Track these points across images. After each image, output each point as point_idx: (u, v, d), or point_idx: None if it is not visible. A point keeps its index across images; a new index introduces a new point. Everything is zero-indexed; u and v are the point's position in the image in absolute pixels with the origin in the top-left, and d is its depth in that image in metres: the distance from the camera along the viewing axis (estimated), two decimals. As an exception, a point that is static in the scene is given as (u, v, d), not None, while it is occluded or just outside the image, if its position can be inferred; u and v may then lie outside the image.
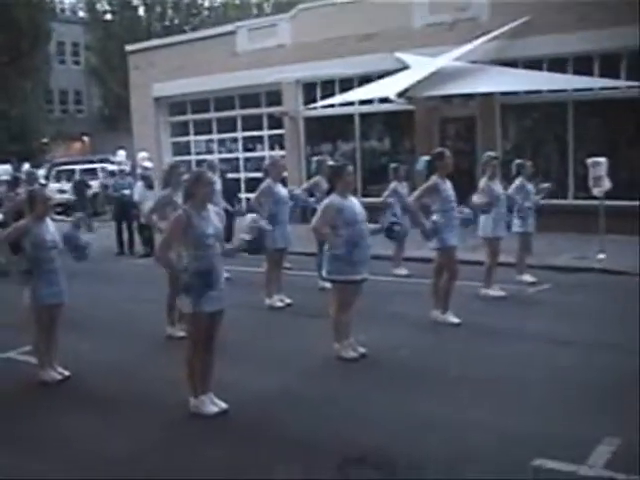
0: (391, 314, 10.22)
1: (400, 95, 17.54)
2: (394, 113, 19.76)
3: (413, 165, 16.66)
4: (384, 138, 21.11)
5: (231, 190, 15.59)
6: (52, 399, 7.38)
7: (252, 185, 16.66)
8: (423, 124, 19.19)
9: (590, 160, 13.49)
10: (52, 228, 7.76)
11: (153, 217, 9.64)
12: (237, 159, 24.16)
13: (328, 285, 8.89)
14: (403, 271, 13.17)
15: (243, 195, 19.99)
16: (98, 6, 47.07)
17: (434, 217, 9.52)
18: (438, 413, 6.45)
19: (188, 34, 29.86)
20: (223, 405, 6.65)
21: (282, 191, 11.15)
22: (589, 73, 16.49)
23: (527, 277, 12.04)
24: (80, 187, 23.77)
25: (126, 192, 17.34)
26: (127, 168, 20.36)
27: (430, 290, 9.81)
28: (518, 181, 11.89)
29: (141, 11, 47.03)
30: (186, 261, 6.41)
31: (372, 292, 9.18)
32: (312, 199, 12.21)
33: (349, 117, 20.98)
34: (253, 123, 23.63)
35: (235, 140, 24.36)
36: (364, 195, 17.86)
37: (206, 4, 49.50)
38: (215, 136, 24.87)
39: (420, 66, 17.72)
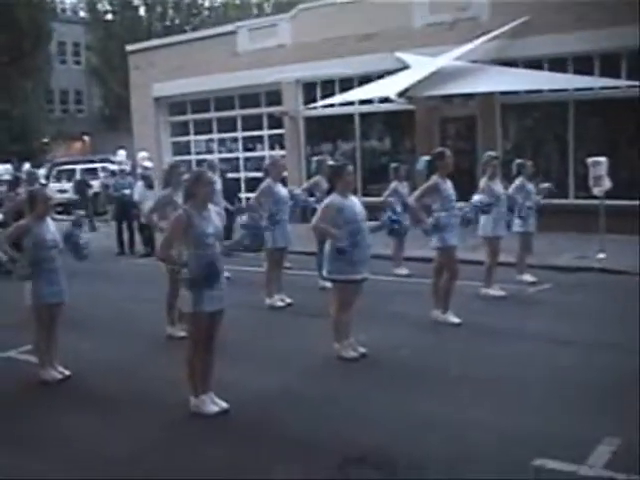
0: (391, 314, 10.22)
1: (400, 95, 17.55)
2: (394, 113, 19.76)
3: (413, 165, 16.67)
4: (384, 138, 21.12)
5: (231, 190, 15.59)
6: (52, 398, 7.38)
7: (252, 185, 16.67)
8: (423, 124, 19.19)
9: (590, 160, 13.51)
10: (53, 228, 7.76)
11: (153, 217, 9.64)
12: (237, 159, 24.16)
13: (328, 285, 8.89)
14: (404, 271, 13.17)
15: (243, 195, 19.98)
16: (99, 6, 47.11)
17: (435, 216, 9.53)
18: (439, 413, 6.45)
19: (188, 34, 29.87)
20: (224, 405, 6.65)
21: (282, 191, 11.15)
22: (589, 73, 16.49)
23: (527, 277, 12.04)
24: (81, 187, 23.80)
25: (126, 192, 17.36)
26: (127, 168, 20.36)
27: (430, 290, 9.81)
28: (518, 181, 11.88)
29: (142, 11, 47.05)
30: (186, 260, 6.43)
31: (373, 292, 9.19)
32: (312, 199, 12.21)
33: (349, 117, 20.99)
34: (253, 123, 23.63)
35: (235, 140, 24.36)
36: (364, 195, 17.88)
37: (206, 4, 49.53)
38: (215, 136, 24.88)
39: (420, 66, 17.72)
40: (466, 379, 7.35)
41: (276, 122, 22.63)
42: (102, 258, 16.42)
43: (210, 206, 6.67)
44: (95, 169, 29.13)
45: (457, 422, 6.21)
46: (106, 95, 47.55)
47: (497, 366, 7.79)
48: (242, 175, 23.52)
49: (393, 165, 13.81)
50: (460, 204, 9.96)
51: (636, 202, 15.25)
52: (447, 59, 17.42)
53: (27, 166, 25.84)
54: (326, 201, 8.09)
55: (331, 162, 11.24)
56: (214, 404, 6.64)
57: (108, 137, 41.98)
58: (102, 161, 30.72)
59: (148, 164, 17.50)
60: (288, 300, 11.02)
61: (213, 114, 24.66)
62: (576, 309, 10.23)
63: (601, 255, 13.20)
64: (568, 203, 16.72)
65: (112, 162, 27.84)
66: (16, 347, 8.79)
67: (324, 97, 20.45)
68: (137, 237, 17.35)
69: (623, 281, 11.82)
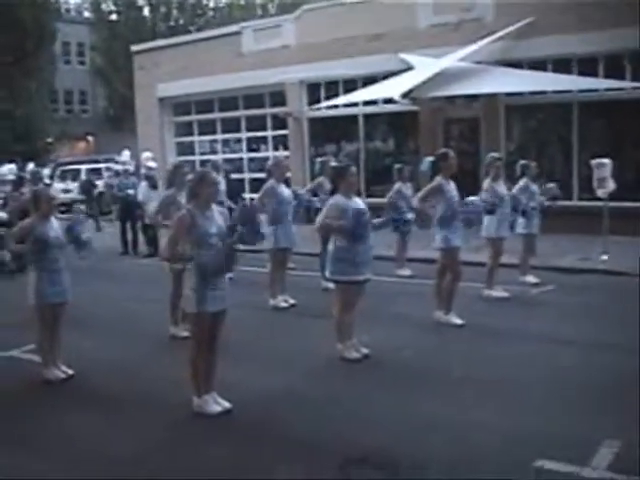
0: (394, 315, 10.21)
1: (404, 96, 17.56)
2: (398, 114, 19.77)
3: (417, 166, 16.67)
4: (388, 139, 21.12)
5: (235, 190, 15.60)
6: (56, 397, 7.39)
7: (256, 185, 16.67)
8: (427, 125, 19.19)
9: (594, 161, 13.48)
10: (56, 227, 7.78)
11: (159, 218, 9.65)
12: (241, 159, 24.17)
13: (331, 285, 8.89)
14: (406, 272, 13.16)
15: (247, 195, 19.98)
16: (103, 6, 47.15)
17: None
18: (441, 414, 6.45)
19: (193, 34, 29.92)
20: (226, 405, 6.66)
21: (285, 191, 11.14)
22: (594, 74, 16.49)
23: (531, 278, 12.03)
24: (87, 187, 23.82)
25: (130, 192, 17.38)
26: (131, 168, 20.39)
27: (433, 291, 9.81)
28: (522, 182, 11.87)
29: (146, 11, 47.09)
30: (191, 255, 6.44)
31: (375, 293, 9.19)
32: (316, 199, 12.20)
33: (353, 118, 21.00)
34: (257, 123, 23.66)
35: (239, 140, 24.38)
36: (368, 196, 17.87)
37: (211, 5, 49.56)
38: (219, 136, 24.91)
39: (424, 67, 17.73)
40: (469, 380, 7.35)
41: (280, 123, 22.65)
42: (106, 258, 16.47)
43: (213, 206, 6.69)
44: (99, 169, 29.18)
45: (459, 423, 6.22)
46: (110, 95, 47.59)
47: (500, 367, 7.79)
48: (246, 176, 23.52)
49: (397, 166, 13.80)
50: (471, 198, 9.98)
51: (640, 204, 15.26)
52: (451, 60, 17.43)
53: (31, 166, 25.83)
54: (330, 201, 8.10)
55: (334, 163, 11.25)
56: (217, 404, 6.65)
57: (112, 137, 41.98)
58: (106, 161, 30.75)
59: (152, 164, 17.52)
60: (292, 301, 11.02)
61: (217, 114, 24.69)
62: (579, 310, 10.22)
63: (604, 257, 13.19)
64: (572, 205, 16.69)
65: (116, 162, 27.85)
66: (19, 346, 8.80)
67: (328, 98, 20.47)
68: (141, 237, 17.37)
69: (626, 283, 11.80)
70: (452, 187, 9.60)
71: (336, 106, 20.25)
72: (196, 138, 25.58)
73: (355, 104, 20.24)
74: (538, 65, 17.18)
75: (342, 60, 19.94)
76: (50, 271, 7.63)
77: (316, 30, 20.84)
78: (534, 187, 11.95)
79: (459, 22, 18.23)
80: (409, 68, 18.34)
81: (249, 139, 24.08)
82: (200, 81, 23.41)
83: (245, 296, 10.06)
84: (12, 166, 24.39)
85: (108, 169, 27.13)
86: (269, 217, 10.81)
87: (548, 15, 16.61)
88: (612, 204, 13.68)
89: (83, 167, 29.68)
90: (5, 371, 8.31)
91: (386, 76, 18.71)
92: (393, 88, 17.61)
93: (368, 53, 19.36)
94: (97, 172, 28.41)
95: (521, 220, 11.76)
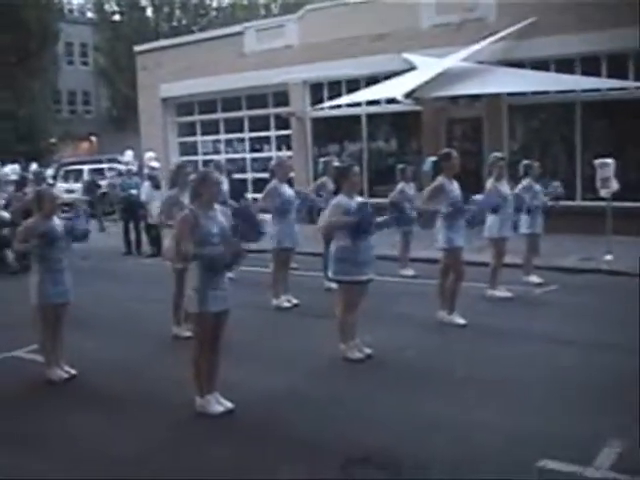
0: (397, 315, 10.22)
1: (407, 96, 17.55)
2: (401, 114, 19.77)
3: (420, 166, 16.64)
4: (391, 139, 21.11)
5: (238, 190, 15.60)
6: (58, 397, 7.40)
7: (259, 185, 16.69)
8: (430, 125, 19.18)
9: (598, 161, 13.47)
10: (60, 227, 7.79)
11: (162, 218, 9.65)
12: (244, 160, 24.17)
13: (334, 285, 8.89)
14: (409, 272, 13.16)
15: (250, 195, 19.98)
16: (106, 7, 47.20)
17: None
18: (444, 414, 6.45)
19: (196, 35, 29.87)
20: (229, 405, 6.66)
21: (288, 191, 11.14)
22: (597, 74, 16.47)
23: (534, 278, 12.02)
24: (91, 187, 23.83)
25: (133, 192, 17.39)
26: (134, 168, 20.40)
27: (436, 291, 9.81)
28: (525, 182, 11.86)
29: (149, 12, 47.12)
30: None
31: (378, 293, 9.19)
32: (319, 199, 12.19)
33: (356, 118, 20.99)
34: (260, 124, 23.66)
35: (242, 140, 24.39)
36: (371, 196, 17.83)
37: (214, 5, 49.56)
38: (222, 136, 24.91)
39: (427, 67, 17.72)
40: (472, 380, 7.34)
41: (283, 123, 22.66)
42: (109, 258, 16.52)
43: (216, 206, 6.69)
44: (102, 169, 29.20)
45: (462, 423, 6.21)
46: (114, 96, 47.64)
47: (503, 367, 7.79)
48: (249, 176, 23.54)
49: (400, 166, 13.80)
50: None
51: (643, 204, 15.23)
52: (454, 60, 17.41)
53: (34, 166, 25.87)
54: (333, 201, 8.10)
55: (337, 163, 11.24)
56: (219, 404, 6.65)
57: (115, 137, 42.02)
58: (109, 161, 30.77)
59: (155, 164, 17.52)
60: (295, 301, 11.02)
61: (220, 115, 24.70)
62: (582, 311, 10.22)
63: (608, 257, 13.18)
64: (575, 205, 16.67)
65: (119, 162, 27.88)
66: (22, 346, 8.81)
67: (331, 98, 20.48)
68: (144, 237, 17.37)
69: (630, 283, 11.77)
70: (455, 187, 9.60)
71: (339, 106, 20.26)
72: (199, 138, 25.59)
73: (358, 104, 20.24)
74: (541, 65, 17.17)
75: (345, 60, 19.94)
76: (53, 271, 7.64)
77: (319, 30, 20.84)
78: (537, 187, 11.93)
79: (462, 22, 18.22)
80: (412, 68, 18.33)
81: (252, 139, 24.08)
82: (203, 81, 23.42)
83: (248, 296, 10.06)
84: (15, 166, 24.43)
85: (111, 169, 27.16)
86: (272, 217, 10.81)
87: (550, 15, 16.59)
88: (615, 204, 13.68)
89: (86, 167, 29.69)
90: (8, 371, 8.32)
91: (389, 76, 18.69)
92: (396, 88, 17.60)
93: (371, 53, 19.35)
94: (100, 172, 28.41)
95: (524, 220, 11.75)
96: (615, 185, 13.30)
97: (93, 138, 51.00)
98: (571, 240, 14.92)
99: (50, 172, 28.42)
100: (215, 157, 22.31)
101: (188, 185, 7.88)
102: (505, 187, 11.13)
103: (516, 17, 17.10)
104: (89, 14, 52.36)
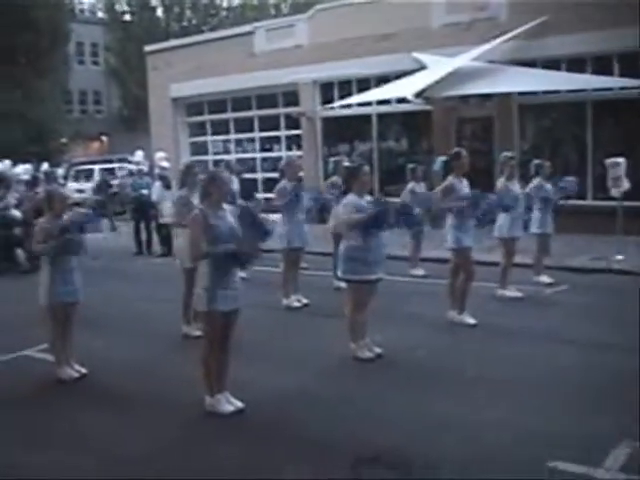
0: (407, 314, 10.21)
1: (417, 95, 17.52)
2: (411, 113, 19.73)
3: (430, 165, 16.62)
4: (401, 138, 21.07)
5: (248, 190, 15.61)
6: (69, 396, 7.42)
7: (269, 185, 16.70)
8: (441, 124, 19.14)
9: (609, 160, 13.42)
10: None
11: (177, 219, 9.57)
12: (254, 159, 24.19)
13: (343, 285, 8.88)
14: (420, 271, 13.14)
15: (260, 195, 19.99)
16: (117, 7, 47.28)
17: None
18: (454, 413, 6.44)
19: (206, 34, 29.89)
20: (239, 404, 6.66)
21: (298, 191, 11.11)
22: (608, 73, 16.40)
23: (544, 278, 11.99)
24: (102, 187, 23.89)
25: (144, 192, 17.42)
26: (145, 168, 20.44)
27: (446, 290, 9.80)
28: (536, 181, 11.84)
29: (159, 12, 47.18)
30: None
31: (389, 292, 9.19)
32: (330, 197, 12.16)
33: (366, 117, 20.98)
34: (270, 123, 23.66)
35: (252, 140, 24.40)
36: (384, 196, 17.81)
37: (224, 4, 49.57)
38: (232, 136, 24.93)
39: (437, 66, 17.69)
40: (482, 380, 7.33)
41: (293, 123, 22.65)
42: (120, 258, 16.56)
43: (225, 206, 6.70)
44: (113, 169, 29.26)
45: (472, 423, 6.20)
46: (124, 96, 47.71)
47: (513, 367, 7.77)
48: (259, 176, 23.55)
49: (410, 166, 13.78)
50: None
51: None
52: (465, 59, 17.37)
53: (45, 166, 25.98)
54: (344, 201, 8.09)
55: (346, 163, 11.23)
56: (229, 403, 6.66)
57: (126, 137, 42.08)
58: (120, 161, 30.84)
59: (165, 164, 17.55)
60: (305, 300, 11.02)
61: (230, 115, 24.72)
62: (593, 311, 10.18)
63: (619, 257, 13.12)
64: (586, 204, 16.61)
65: (130, 162, 27.94)
66: (33, 345, 8.84)
67: (341, 97, 20.47)
68: (155, 237, 17.40)
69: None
70: (464, 186, 9.60)
71: (349, 106, 20.26)
72: (209, 138, 25.62)
73: (368, 104, 20.22)
74: (552, 64, 17.10)
75: (355, 60, 19.93)
76: (62, 271, 7.67)
77: (329, 30, 20.83)
78: (548, 186, 11.90)
79: (472, 21, 18.17)
80: (422, 67, 18.31)
81: (262, 139, 24.09)
82: (213, 81, 23.45)
83: (258, 296, 10.06)
84: (27, 166, 24.51)
85: (121, 169, 27.22)
86: (282, 217, 10.82)
87: (561, 14, 16.52)
88: (626, 203, 13.62)
89: (97, 167, 29.76)
90: (19, 370, 8.35)
91: (399, 75, 18.68)
92: (406, 87, 17.58)
93: (381, 53, 19.31)
94: (111, 172, 28.48)
95: (535, 220, 11.74)
96: (626, 184, 13.26)
97: (104, 138, 51.11)
98: (582, 240, 14.86)
99: (61, 172, 28.50)
100: (225, 157, 22.34)
101: (197, 185, 7.89)
102: (516, 186, 11.10)
103: (527, 16, 17.04)
104: (100, 14, 52.41)
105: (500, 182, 11.04)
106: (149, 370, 8.11)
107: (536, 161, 12.26)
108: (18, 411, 7.07)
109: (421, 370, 7.82)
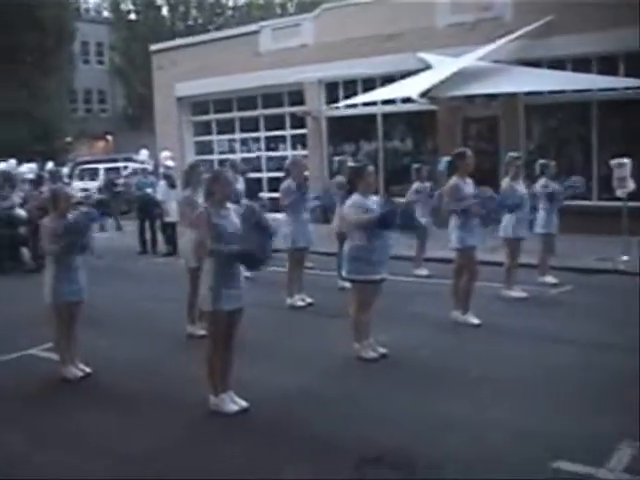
0: (411, 314, 10.20)
1: (423, 95, 17.49)
2: (417, 113, 19.71)
3: (435, 165, 16.61)
4: (406, 138, 21.05)
5: (253, 189, 15.62)
6: (73, 395, 7.43)
7: (274, 185, 16.69)
8: (446, 124, 19.12)
9: (614, 161, 13.39)
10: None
11: (184, 219, 9.58)
12: (259, 158, 24.18)
13: (348, 285, 8.89)
14: (424, 271, 13.14)
15: (265, 194, 19.99)
16: (122, 6, 47.38)
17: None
18: (458, 413, 6.43)
19: (211, 34, 29.91)
20: (243, 403, 6.67)
21: (303, 190, 11.11)
22: (613, 73, 16.37)
23: (549, 278, 11.97)
24: (108, 186, 23.91)
25: (149, 191, 17.44)
26: (150, 167, 20.45)
27: (450, 290, 9.79)
28: (542, 181, 11.83)
29: (165, 11, 47.27)
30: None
31: (393, 292, 9.18)
32: (335, 196, 12.15)
33: (372, 117, 20.95)
34: (276, 123, 23.66)
35: (257, 140, 24.40)
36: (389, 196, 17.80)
37: (230, 4, 49.70)
38: (237, 135, 24.93)
39: (443, 66, 17.68)
40: (486, 380, 7.33)
41: (298, 122, 22.63)
42: (124, 257, 16.56)
43: (229, 205, 6.70)
44: (118, 168, 29.27)
45: (476, 423, 6.20)
46: (129, 95, 47.83)
47: (517, 367, 7.76)
48: (264, 175, 23.54)
49: (415, 166, 13.79)
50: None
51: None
52: (470, 59, 17.36)
53: (50, 165, 26.01)
54: (349, 202, 8.07)
55: (351, 163, 11.23)
56: (234, 403, 6.66)
57: (131, 136, 42.14)
58: (125, 160, 30.85)
59: (170, 163, 17.56)
60: (309, 300, 11.02)
61: (235, 114, 24.71)
62: (598, 311, 10.16)
63: (624, 257, 13.10)
64: (591, 204, 16.59)
65: (135, 161, 27.96)
66: (37, 344, 8.85)
67: (347, 97, 20.45)
68: (159, 236, 17.41)
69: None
70: (469, 186, 9.58)
71: (355, 105, 20.24)
72: (215, 137, 25.61)
73: (374, 103, 20.19)
74: (557, 64, 17.08)
75: (360, 59, 19.91)
76: (67, 270, 7.67)
77: (335, 29, 20.82)
78: (554, 185, 11.88)
79: (477, 21, 18.15)
80: (427, 67, 18.30)
81: (267, 138, 24.08)
82: (218, 80, 23.44)
83: (262, 295, 10.07)
84: (32, 165, 24.56)
85: (126, 168, 27.25)
86: (286, 216, 10.82)
87: (567, 14, 16.49)
88: (632, 204, 13.58)
89: (101, 166, 29.79)
90: (24, 369, 8.36)
91: (404, 75, 18.66)
92: (411, 87, 17.55)
93: (386, 52, 19.29)
94: (116, 171, 28.49)
95: (540, 220, 11.73)
96: (632, 185, 13.22)
97: (109, 137, 51.21)
98: (587, 240, 14.82)
99: (66, 171, 28.53)
100: (231, 156, 22.35)
101: (202, 184, 7.89)
102: (521, 186, 11.09)
103: (532, 16, 17.02)
104: (105, 13, 52.59)
105: (505, 182, 11.02)
106: (153, 369, 8.12)
107: (541, 161, 12.25)
108: (23, 410, 7.08)
109: (425, 370, 7.82)
